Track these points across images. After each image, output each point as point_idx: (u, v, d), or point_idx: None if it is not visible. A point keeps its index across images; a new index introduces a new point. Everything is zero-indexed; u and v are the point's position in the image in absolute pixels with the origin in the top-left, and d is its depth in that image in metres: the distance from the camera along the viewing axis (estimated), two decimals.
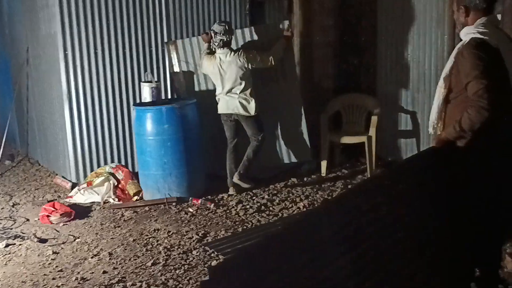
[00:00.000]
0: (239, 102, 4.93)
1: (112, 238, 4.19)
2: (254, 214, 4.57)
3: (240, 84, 4.91)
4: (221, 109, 5.08)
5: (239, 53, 4.89)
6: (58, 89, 5.61)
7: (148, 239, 4.12)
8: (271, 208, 4.73)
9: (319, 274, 2.01)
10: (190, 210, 4.76)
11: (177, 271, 3.49)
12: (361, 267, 2.23)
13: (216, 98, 5.10)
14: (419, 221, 2.65)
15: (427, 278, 2.66)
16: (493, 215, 2.85)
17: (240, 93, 4.92)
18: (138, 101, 5.66)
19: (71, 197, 5.23)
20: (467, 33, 2.69)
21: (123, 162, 5.72)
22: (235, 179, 5.02)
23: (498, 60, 2.61)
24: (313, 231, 2.05)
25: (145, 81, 5.53)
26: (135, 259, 3.75)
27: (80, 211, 4.86)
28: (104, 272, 3.56)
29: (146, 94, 5.37)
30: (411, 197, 2.64)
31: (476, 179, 2.71)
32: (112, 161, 5.67)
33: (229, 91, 4.95)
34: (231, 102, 4.96)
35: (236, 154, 5.19)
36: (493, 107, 2.51)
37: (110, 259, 3.78)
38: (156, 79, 5.63)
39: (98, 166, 5.65)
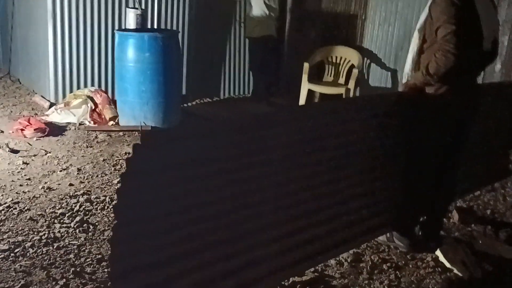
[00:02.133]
0: None
1: (83, 156, 4.29)
2: None
3: None
4: None
5: None
6: (43, 7, 5.53)
7: (118, 160, 4.22)
8: None
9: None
10: None
11: None
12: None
13: None
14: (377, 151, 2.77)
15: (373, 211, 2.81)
16: (449, 165, 2.99)
17: None
18: (123, 27, 5.62)
19: (47, 115, 5.28)
20: None
21: (102, 87, 5.74)
22: None
23: (470, 5, 2.64)
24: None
25: (130, 7, 5.48)
26: (103, 177, 3.86)
27: (55, 130, 4.92)
28: (71, 184, 3.67)
29: (131, 20, 5.34)
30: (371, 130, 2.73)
31: (436, 127, 2.80)
32: (92, 85, 5.69)
33: None
34: None
35: None
36: (460, 51, 2.55)
37: (78, 174, 3.89)
38: (143, 7, 5.58)
39: (78, 88, 5.67)
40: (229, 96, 6.74)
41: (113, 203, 1.75)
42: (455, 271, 2.86)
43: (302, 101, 5.74)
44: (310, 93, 5.88)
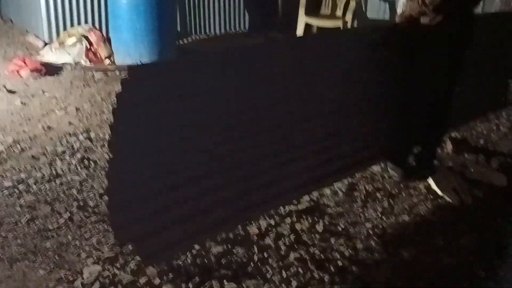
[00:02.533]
0: None
1: (80, 95, 4.31)
2: None
3: None
4: None
5: None
6: None
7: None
8: None
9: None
10: None
11: None
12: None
13: None
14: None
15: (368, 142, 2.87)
16: (443, 95, 3.01)
17: None
18: None
19: (42, 55, 5.23)
20: None
21: (96, 25, 5.66)
22: None
23: None
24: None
25: None
26: (101, 115, 3.90)
27: (51, 69, 4.90)
28: (70, 123, 3.72)
29: None
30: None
31: (431, 57, 2.80)
32: (86, 23, 5.60)
33: None
34: None
35: None
36: None
37: (77, 113, 3.92)
38: None
39: (71, 25, 5.58)
40: (225, 32, 6.65)
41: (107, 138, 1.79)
42: (447, 198, 2.95)
43: (299, 35, 5.67)
44: (308, 27, 5.80)
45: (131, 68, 1.82)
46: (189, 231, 2.03)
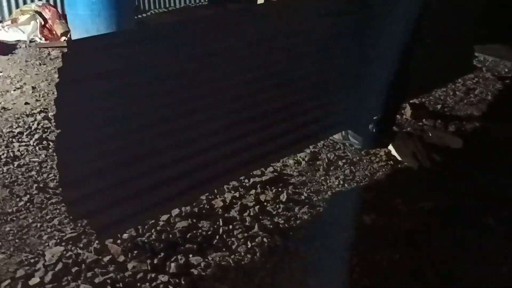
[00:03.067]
0: None
1: (36, 74, 4.18)
2: None
3: None
4: None
5: None
6: None
7: None
8: None
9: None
10: None
11: None
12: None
13: None
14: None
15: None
16: (400, 66, 3.05)
17: None
18: None
19: None
20: None
21: (51, 1, 5.47)
22: None
23: None
24: None
25: None
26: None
27: (4, 48, 4.73)
28: (26, 103, 3.62)
29: None
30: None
31: (389, 23, 2.82)
32: None
33: None
34: None
35: None
36: None
37: (33, 92, 3.82)
38: None
39: (24, 3, 5.38)
40: (185, 5, 6.53)
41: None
42: (406, 163, 3.03)
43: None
44: None
45: (71, 42, 1.77)
46: (144, 205, 2.03)
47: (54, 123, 1.74)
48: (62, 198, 1.88)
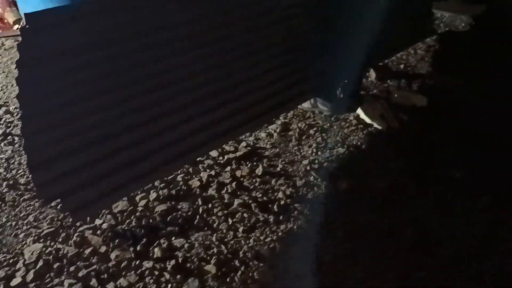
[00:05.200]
0: None
1: None
2: None
3: None
4: None
5: None
6: None
7: None
8: None
9: None
10: None
11: None
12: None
13: None
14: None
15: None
16: (366, 27, 3.05)
17: None
18: None
19: None
20: None
21: None
22: None
23: None
24: None
25: None
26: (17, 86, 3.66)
27: None
28: None
29: None
30: None
31: None
32: None
33: None
34: None
35: None
36: None
37: None
38: None
39: None
40: None
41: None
42: (375, 125, 3.08)
43: None
44: None
45: (29, 15, 1.70)
46: (115, 184, 2.00)
47: (19, 103, 1.68)
48: (32, 181, 1.83)
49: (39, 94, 1.72)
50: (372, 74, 3.64)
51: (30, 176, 2.60)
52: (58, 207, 2.35)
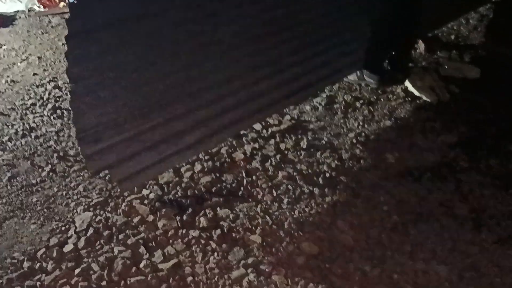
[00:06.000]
0: None
1: (40, 44, 4.11)
2: None
3: None
4: None
5: None
6: None
7: None
8: None
9: None
10: None
11: None
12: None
13: None
14: None
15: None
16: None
17: None
18: None
19: None
20: None
21: None
22: None
23: None
24: None
25: None
26: (65, 61, 3.74)
27: (4, 20, 4.63)
28: (35, 74, 3.57)
29: None
30: None
31: None
32: None
33: None
34: None
35: None
36: None
37: (39, 62, 3.76)
38: None
39: None
40: None
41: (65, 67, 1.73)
42: (424, 98, 2.97)
43: None
44: None
45: None
46: (161, 156, 2.03)
47: (68, 78, 1.70)
48: (81, 153, 1.87)
49: (88, 68, 1.74)
50: (421, 45, 3.51)
51: (79, 148, 2.67)
52: (107, 177, 2.40)
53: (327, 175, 2.41)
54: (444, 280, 1.87)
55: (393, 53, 3.19)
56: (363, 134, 2.70)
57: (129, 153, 1.95)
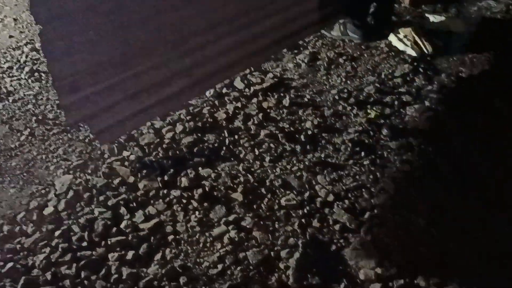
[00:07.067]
0: None
1: (15, 5, 3.98)
2: None
3: None
4: None
5: None
6: None
7: None
8: None
9: None
10: None
11: None
12: None
13: None
14: None
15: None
16: None
17: None
18: None
19: None
20: None
21: None
22: None
23: None
24: None
25: None
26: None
27: None
28: (11, 36, 3.47)
29: None
30: None
31: None
32: None
33: None
34: None
35: None
36: None
37: (15, 24, 3.65)
38: None
39: None
40: None
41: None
42: (408, 52, 2.93)
43: None
44: None
45: None
46: (138, 107, 1.99)
47: (38, 24, 1.65)
48: (59, 105, 1.83)
49: (62, 27, 1.68)
50: None
51: (58, 111, 2.63)
52: (86, 140, 2.37)
53: (309, 132, 2.39)
54: (423, 232, 1.89)
55: (377, 6, 3.12)
56: (345, 90, 2.67)
57: (108, 103, 1.90)
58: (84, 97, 1.80)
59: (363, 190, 2.08)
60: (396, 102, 2.56)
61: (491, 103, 2.52)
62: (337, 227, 1.92)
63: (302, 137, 2.37)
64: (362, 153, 2.25)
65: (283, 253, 1.82)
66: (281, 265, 1.78)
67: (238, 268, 1.78)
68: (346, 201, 2.02)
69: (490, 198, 2.04)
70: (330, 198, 2.04)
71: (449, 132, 2.36)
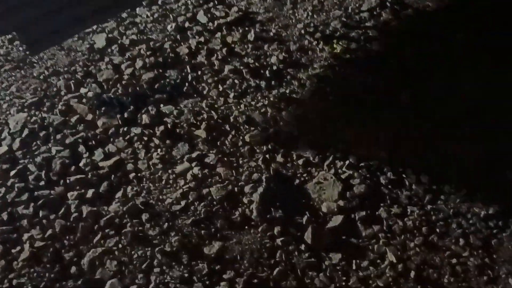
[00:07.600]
0: None
1: None
2: None
3: None
4: None
5: None
6: None
7: None
8: None
9: None
10: None
11: None
12: None
13: None
14: None
15: None
16: None
17: None
18: None
19: None
20: None
21: None
22: None
23: None
24: None
25: None
26: None
27: None
28: None
29: None
30: None
31: None
32: None
33: None
34: None
35: None
36: None
37: None
38: None
39: None
40: None
41: None
42: None
43: None
44: None
45: None
46: (71, 18, 1.87)
47: None
48: None
49: None
50: None
51: (12, 47, 2.48)
52: (41, 77, 2.25)
53: (274, 67, 2.34)
54: (387, 158, 1.90)
55: None
56: (311, 25, 2.59)
57: (39, 13, 1.77)
58: (12, 6, 1.67)
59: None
60: (362, 37, 2.50)
61: (453, 35, 2.49)
62: (300, 161, 1.91)
63: (267, 72, 2.31)
64: (328, 89, 2.22)
65: (247, 188, 1.81)
66: (245, 200, 1.78)
67: (202, 203, 1.76)
68: (311, 136, 2.00)
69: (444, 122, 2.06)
70: (294, 132, 2.01)
71: (408, 61, 2.34)
